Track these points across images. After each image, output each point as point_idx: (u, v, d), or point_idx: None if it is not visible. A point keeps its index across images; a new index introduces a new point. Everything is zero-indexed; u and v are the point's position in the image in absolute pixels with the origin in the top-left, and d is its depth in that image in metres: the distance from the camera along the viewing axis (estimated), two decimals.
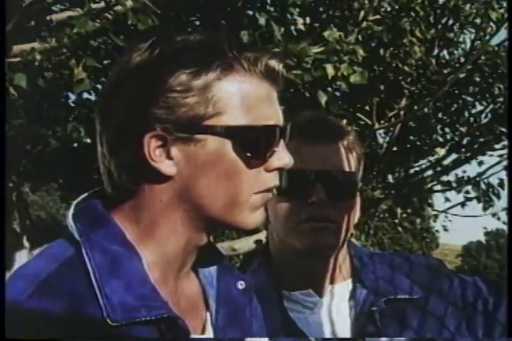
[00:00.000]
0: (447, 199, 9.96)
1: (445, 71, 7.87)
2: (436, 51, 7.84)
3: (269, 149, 1.10)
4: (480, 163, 9.19)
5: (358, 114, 7.06)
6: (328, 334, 1.51)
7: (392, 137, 8.26)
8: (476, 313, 1.57)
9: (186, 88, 1.04)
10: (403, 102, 7.71)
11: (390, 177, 9.43)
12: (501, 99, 7.99)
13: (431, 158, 9.26)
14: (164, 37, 1.09)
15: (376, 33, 6.96)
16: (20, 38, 4.89)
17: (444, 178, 9.32)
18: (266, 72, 1.09)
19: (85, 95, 6.10)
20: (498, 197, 8.83)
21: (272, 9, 6.30)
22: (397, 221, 12.11)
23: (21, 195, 7.29)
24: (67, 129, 5.65)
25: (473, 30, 7.79)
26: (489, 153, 8.76)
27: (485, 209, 9.03)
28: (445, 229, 12.94)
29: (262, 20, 5.37)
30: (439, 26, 7.68)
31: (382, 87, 7.41)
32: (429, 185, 9.26)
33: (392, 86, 7.62)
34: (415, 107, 7.46)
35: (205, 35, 1.10)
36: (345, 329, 1.52)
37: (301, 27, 6.55)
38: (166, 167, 1.06)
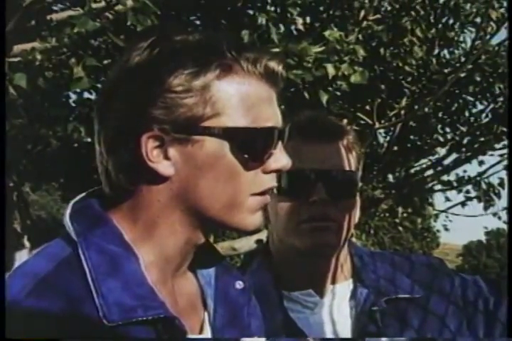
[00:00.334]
0: (448, 199, 9.98)
1: (445, 70, 7.88)
2: (436, 51, 7.84)
3: (267, 151, 1.09)
4: (480, 163, 9.20)
5: (359, 114, 7.06)
6: (328, 335, 1.51)
7: (392, 137, 8.27)
8: (477, 313, 1.57)
9: (185, 89, 1.03)
10: (404, 102, 7.71)
11: (390, 177, 9.43)
12: (502, 99, 8.00)
13: (431, 158, 9.27)
14: (164, 37, 1.09)
15: (376, 32, 6.96)
16: (20, 38, 4.89)
17: (445, 178, 9.34)
18: (265, 73, 1.09)
19: (86, 95, 6.09)
20: (499, 196, 8.84)
21: (272, 9, 6.30)
22: (397, 220, 12.12)
23: (22, 195, 7.29)
24: (67, 129, 5.65)
25: (473, 30, 7.79)
26: (490, 152, 8.77)
27: (485, 208, 9.05)
28: (446, 229, 12.95)
29: (262, 20, 5.37)
30: (440, 26, 7.69)
31: (382, 87, 7.41)
32: (430, 185, 9.26)
33: (393, 85, 7.62)
34: (416, 107, 7.46)
35: (205, 35, 1.10)
36: (346, 329, 1.52)
37: (302, 27, 6.55)
38: (164, 167, 1.06)
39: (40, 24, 5.18)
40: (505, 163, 8.36)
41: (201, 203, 1.07)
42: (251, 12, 6.18)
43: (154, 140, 1.05)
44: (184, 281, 1.17)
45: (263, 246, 1.65)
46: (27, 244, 7.23)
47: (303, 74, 4.90)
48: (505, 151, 8.36)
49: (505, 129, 7.78)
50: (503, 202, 9.02)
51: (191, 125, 1.04)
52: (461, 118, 8.55)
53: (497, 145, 8.50)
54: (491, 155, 8.84)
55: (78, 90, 5.57)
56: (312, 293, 1.55)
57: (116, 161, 1.07)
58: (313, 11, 6.72)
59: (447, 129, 8.78)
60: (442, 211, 10.77)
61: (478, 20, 7.57)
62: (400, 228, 15.08)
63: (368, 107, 7.15)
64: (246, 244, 6.56)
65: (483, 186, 8.98)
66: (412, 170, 9.39)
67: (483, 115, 8.43)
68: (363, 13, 6.67)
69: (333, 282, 1.57)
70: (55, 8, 5.67)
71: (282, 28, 5.95)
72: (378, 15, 6.95)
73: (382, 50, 7.30)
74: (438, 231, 21.19)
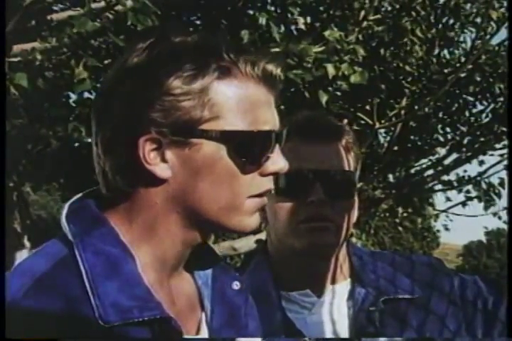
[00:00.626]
0: (448, 199, 9.97)
1: (446, 70, 7.87)
2: (436, 50, 7.84)
3: (264, 154, 1.09)
4: (481, 163, 9.19)
5: (359, 114, 7.06)
6: (326, 335, 1.51)
7: (392, 137, 8.26)
8: (476, 312, 1.57)
9: (183, 91, 1.03)
10: (404, 102, 7.71)
11: (390, 177, 9.43)
12: (502, 99, 7.99)
13: (432, 158, 9.26)
14: (162, 38, 1.08)
15: (377, 32, 6.96)
16: (20, 38, 4.89)
17: (445, 178, 9.34)
18: (263, 76, 1.09)
19: (86, 95, 6.09)
20: (499, 196, 8.84)
21: (272, 9, 6.30)
22: (397, 220, 12.12)
23: (22, 195, 7.29)
24: (68, 129, 5.65)
25: (473, 30, 7.79)
26: (490, 152, 8.77)
27: (486, 208, 9.04)
28: (446, 229, 12.95)
29: (262, 20, 5.37)
30: (440, 26, 7.68)
31: (382, 87, 7.41)
32: (430, 185, 9.26)
33: (393, 85, 7.62)
34: (416, 107, 7.46)
35: (203, 37, 1.09)
36: (344, 330, 1.52)
37: (302, 26, 6.55)
38: (161, 170, 1.06)
39: (40, 24, 5.18)
40: (505, 162, 8.36)
41: (198, 205, 1.07)
42: (251, 12, 6.18)
43: (152, 142, 1.05)
44: (181, 282, 1.17)
45: (261, 247, 1.65)
46: (27, 243, 7.22)
47: (303, 74, 4.90)
48: (505, 151, 8.36)
49: (505, 129, 7.77)
50: (503, 202, 9.03)
51: (189, 128, 1.04)
52: (462, 118, 8.54)
53: (497, 145, 8.50)
54: (491, 155, 8.84)
55: (78, 91, 5.57)
56: (310, 294, 1.55)
57: (113, 163, 1.07)
58: (314, 11, 6.71)
59: (447, 129, 8.77)
60: (442, 211, 10.76)
61: (478, 20, 7.57)
62: (400, 228, 15.08)
63: (368, 107, 7.14)
64: (246, 244, 6.56)
65: (484, 186, 8.98)
66: (413, 170, 9.39)
67: (484, 115, 8.43)
68: (363, 13, 6.67)
69: (333, 282, 1.57)
70: (55, 8, 5.67)
71: (283, 28, 5.95)
72: (378, 16, 6.94)
73: (382, 50, 7.30)
74: (438, 231, 21.21)
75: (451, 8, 7.58)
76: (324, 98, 5.15)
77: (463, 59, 7.98)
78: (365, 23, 6.60)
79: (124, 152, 1.05)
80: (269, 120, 1.09)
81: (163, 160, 1.06)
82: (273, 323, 1.48)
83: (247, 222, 1.11)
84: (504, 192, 8.74)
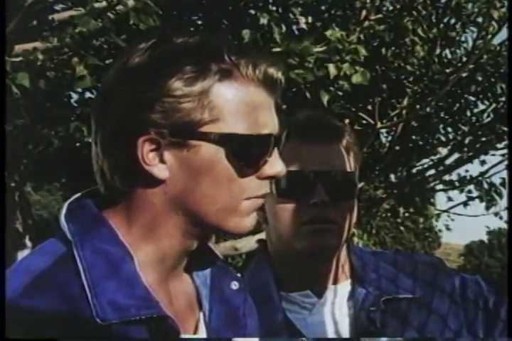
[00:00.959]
0: (450, 199, 9.97)
1: (447, 70, 7.87)
2: (438, 50, 7.83)
3: (262, 158, 1.09)
4: (482, 163, 9.18)
5: (361, 114, 7.06)
6: (327, 335, 1.51)
7: (394, 136, 8.26)
8: (477, 312, 1.57)
9: (183, 93, 1.03)
10: (405, 102, 7.71)
11: (392, 177, 9.43)
12: (503, 99, 7.99)
13: (433, 158, 9.26)
14: (164, 39, 1.08)
15: (378, 32, 6.96)
16: (22, 38, 4.90)
17: (447, 177, 9.34)
18: (264, 79, 1.09)
19: (88, 94, 6.10)
20: (501, 196, 8.84)
21: (273, 9, 6.30)
22: (399, 220, 12.11)
23: (24, 195, 7.30)
24: (69, 129, 5.66)
25: (475, 29, 7.78)
26: (491, 152, 8.77)
27: (487, 208, 9.04)
28: (447, 229, 12.94)
29: (263, 20, 5.37)
30: (441, 25, 7.68)
31: (384, 87, 7.41)
32: (432, 185, 9.26)
33: (395, 85, 7.62)
34: (417, 106, 7.47)
35: (205, 39, 1.09)
36: (345, 330, 1.52)
37: (303, 26, 6.55)
38: (159, 171, 1.05)
39: (41, 24, 5.19)
40: (506, 162, 8.35)
41: (195, 207, 1.07)
42: (253, 12, 6.18)
43: (150, 143, 1.04)
44: (180, 281, 1.17)
45: (261, 247, 1.65)
46: (29, 243, 7.23)
47: (304, 74, 4.90)
48: (507, 151, 8.35)
49: (506, 129, 7.77)
50: (505, 201, 9.02)
51: (188, 130, 1.04)
52: (463, 118, 8.54)
53: (499, 145, 8.49)
54: (493, 154, 8.84)
55: (80, 90, 5.58)
56: (310, 294, 1.55)
57: (112, 162, 1.07)
58: (315, 11, 6.72)
59: (449, 129, 8.77)
60: (444, 211, 10.76)
61: (479, 19, 7.56)
62: (402, 228, 15.07)
63: (369, 107, 7.15)
64: (247, 244, 6.56)
65: (485, 186, 8.97)
66: (414, 170, 9.39)
67: (485, 115, 8.42)
68: (364, 12, 6.67)
69: (334, 282, 1.57)
70: (56, 8, 5.67)
71: (284, 28, 5.94)
72: (380, 15, 6.95)
73: (383, 50, 7.30)
74: (440, 231, 21.19)
75: (453, 8, 7.57)
76: (326, 98, 5.15)
77: (464, 59, 7.98)
78: (366, 23, 6.60)
79: (123, 152, 1.06)
80: (269, 123, 1.09)
81: (162, 161, 1.06)
82: (273, 323, 1.48)
83: (244, 224, 1.11)
84: (506, 192, 8.74)
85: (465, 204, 9.48)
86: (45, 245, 1.10)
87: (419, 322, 1.54)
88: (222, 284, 1.20)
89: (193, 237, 1.11)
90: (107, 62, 5.54)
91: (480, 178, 9.03)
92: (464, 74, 7.52)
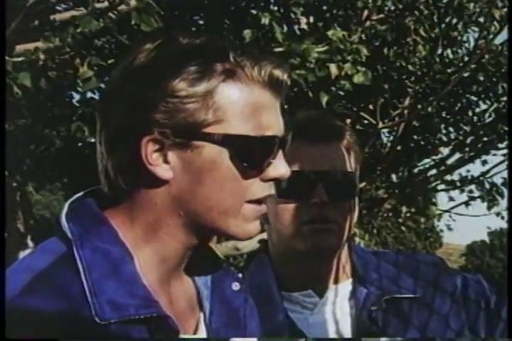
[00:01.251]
0: (451, 199, 9.97)
1: (449, 70, 7.87)
2: (440, 50, 7.83)
3: (266, 160, 1.09)
4: (484, 162, 9.18)
5: (362, 114, 7.06)
6: (329, 335, 1.51)
7: (395, 136, 8.26)
8: (479, 312, 1.57)
9: (188, 94, 1.03)
10: (407, 101, 7.71)
11: (393, 177, 9.43)
12: (505, 98, 7.99)
13: (435, 158, 9.26)
14: (170, 39, 1.08)
15: (380, 32, 6.96)
16: (24, 38, 4.90)
17: (448, 177, 9.34)
18: (269, 81, 1.08)
19: (89, 94, 6.10)
20: (502, 196, 8.84)
21: (275, 9, 6.30)
22: (401, 220, 12.10)
23: (25, 195, 7.30)
24: (71, 129, 5.66)
25: (477, 29, 7.78)
26: (493, 152, 8.77)
27: (489, 208, 9.04)
28: (449, 229, 12.92)
29: (265, 20, 5.37)
30: (443, 25, 7.68)
31: (386, 87, 7.41)
32: (433, 185, 9.26)
33: (396, 85, 7.62)
34: (419, 106, 7.47)
35: (210, 39, 1.09)
36: (346, 329, 1.52)
37: (305, 26, 6.55)
38: (163, 171, 1.05)
39: (43, 24, 5.19)
40: (507, 162, 8.35)
41: (198, 208, 1.07)
42: (254, 12, 6.18)
43: (154, 143, 1.04)
44: (180, 282, 1.16)
45: (262, 247, 1.65)
46: (30, 243, 7.23)
47: (306, 74, 4.90)
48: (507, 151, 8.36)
49: (507, 129, 7.77)
50: (506, 201, 9.02)
51: (192, 130, 1.04)
52: (465, 117, 8.54)
53: (500, 145, 8.49)
54: (494, 154, 8.84)
55: (83, 90, 5.58)
56: (312, 294, 1.55)
57: (116, 162, 1.07)
58: (317, 11, 6.72)
59: (451, 129, 8.77)
60: (446, 211, 10.75)
61: (481, 19, 7.56)
62: (403, 228, 15.05)
63: (371, 107, 7.15)
64: (249, 244, 6.55)
65: (487, 186, 8.98)
66: (416, 170, 9.39)
67: (487, 115, 8.43)
68: (366, 12, 6.67)
69: (335, 282, 1.57)
70: (58, 8, 5.67)
71: (285, 28, 5.94)
72: (381, 15, 6.95)
73: (385, 50, 7.30)
74: (441, 231, 21.19)
75: (455, 8, 7.57)
76: (325, 99, 5.14)
77: (466, 58, 7.98)
78: (368, 23, 6.60)
79: (127, 152, 1.05)
80: (273, 125, 1.09)
81: (165, 161, 1.05)
82: (275, 323, 1.48)
83: (245, 228, 1.10)
84: (507, 192, 8.74)
85: (466, 204, 9.49)
86: (46, 244, 1.10)
87: (421, 321, 1.54)
88: (223, 285, 1.20)
89: (194, 238, 1.11)
90: (109, 62, 5.54)
91: (481, 178, 9.03)
92: (466, 74, 7.52)
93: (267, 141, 1.08)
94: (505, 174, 8.87)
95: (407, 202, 9.67)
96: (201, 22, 6.89)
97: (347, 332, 1.52)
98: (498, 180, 9.24)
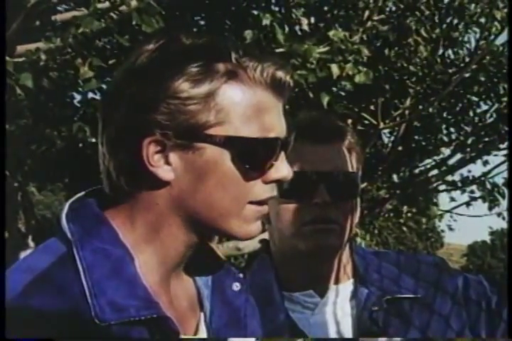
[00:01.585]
0: (452, 199, 9.97)
1: (450, 70, 7.88)
2: (441, 51, 7.84)
3: (268, 161, 1.08)
4: (485, 163, 9.19)
5: (363, 114, 7.07)
6: (330, 335, 1.51)
7: (397, 137, 8.26)
8: (480, 312, 1.57)
9: (189, 95, 1.03)
10: (408, 102, 7.71)
11: (395, 177, 9.43)
12: (506, 99, 7.99)
13: (436, 158, 9.27)
14: (172, 40, 1.08)
15: (381, 32, 6.96)
16: (25, 38, 4.90)
17: (449, 178, 9.34)
18: (272, 82, 1.08)
19: (90, 95, 6.11)
20: (503, 196, 8.83)
21: (276, 9, 6.30)
22: (402, 220, 12.10)
23: (27, 195, 7.30)
24: (72, 129, 5.66)
25: (477, 30, 7.78)
26: (494, 152, 8.77)
27: (490, 208, 9.04)
28: (450, 229, 12.92)
29: (266, 21, 5.37)
30: (444, 26, 7.68)
31: (387, 87, 7.41)
32: (434, 185, 9.26)
33: (397, 85, 7.62)
34: (420, 107, 7.47)
35: (212, 41, 1.08)
36: (347, 330, 1.52)
37: (306, 27, 6.55)
38: (164, 172, 1.05)
39: (44, 24, 5.19)
40: (508, 163, 8.34)
41: (198, 209, 1.07)
42: (255, 12, 6.18)
43: (156, 144, 1.04)
44: (181, 282, 1.16)
45: (263, 247, 1.65)
46: (31, 243, 7.23)
47: (307, 74, 4.90)
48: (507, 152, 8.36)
49: (507, 129, 7.77)
50: (507, 202, 9.02)
51: (193, 132, 1.04)
52: (466, 118, 8.55)
53: (501, 145, 8.50)
54: (496, 155, 8.84)
55: (84, 90, 5.58)
56: (313, 294, 1.55)
57: (118, 163, 1.07)
58: (318, 12, 6.72)
59: (452, 129, 8.78)
60: (447, 211, 10.76)
61: (482, 20, 7.56)
62: (405, 228, 15.05)
63: (372, 107, 7.15)
64: (250, 244, 6.56)
65: (488, 186, 8.98)
66: (417, 170, 9.39)
67: (488, 115, 8.43)
68: (367, 13, 6.67)
69: (336, 282, 1.57)
70: (59, 8, 5.67)
71: (287, 29, 5.94)
72: (383, 16, 6.95)
73: (386, 50, 7.31)
74: (442, 231, 21.21)
75: (456, 8, 7.57)
76: (325, 99, 5.14)
77: (467, 59, 7.98)
78: (369, 23, 6.60)
79: (128, 153, 1.05)
80: (276, 127, 1.08)
81: (167, 162, 1.05)
82: (276, 323, 1.48)
83: (246, 229, 1.10)
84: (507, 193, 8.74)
85: (468, 204, 9.49)
86: (46, 244, 1.09)
87: (422, 322, 1.54)
88: (224, 285, 1.20)
89: (195, 239, 1.10)
90: (110, 62, 5.55)
91: (483, 178, 9.03)
92: (467, 75, 7.53)
93: (269, 143, 1.07)
94: (506, 174, 8.87)
95: (408, 202, 9.67)
96: (202, 22, 6.90)
97: (348, 332, 1.52)
98: (499, 180, 9.24)
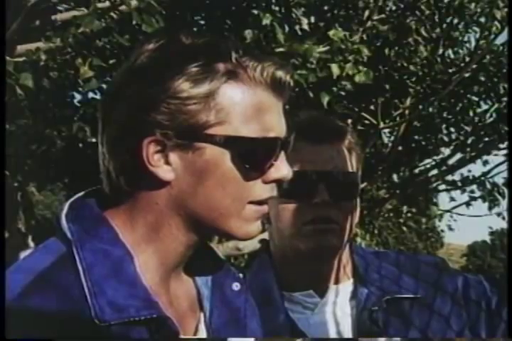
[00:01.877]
0: (452, 199, 9.98)
1: (450, 70, 7.88)
2: (441, 50, 7.84)
3: (268, 161, 1.08)
4: (485, 163, 9.20)
5: (363, 114, 7.07)
6: (330, 335, 1.51)
7: (397, 136, 8.26)
8: (480, 312, 1.57)
9: (189, 95, 1.03)
10: (408, 102, 7.72)
11: (395, 177, 9.44)
12: (506, 99, 7.99)
13: (436, 158, 9.27)
14: (172, 40, 1.08)
15: (381, 32, 6.96)
16: (25, 38, 4.90)
17: (449, 178, 9.35)
18: (272, 82, 1.08)
19: (91, 95, 6.11)
20: (503, 196, 8.84)
21: (276, 9, 6.30)
22: (402, 220, 12.12)
23: (26, 195, 7.29)
24: (72, 129, 5.66)
25: (478, 30, 7.78)
26: (494, 152, 8.77)
27: (490, 208, 9.05)
28: (450, 229, 12.93)
29: (266, 20, 5.37)
30: (444, 25, 7.68)
31: (387, 87, 7.41)
32: (434, 185, 9.27)
33: (397, 85, 7.62)
34: (420, 106, 7.47)
35: (213, 40, 1.08)
36: (346, 330, 1.52)
37: (306, 27, 6.55)
38: (164, 172, 1.05)
39: (44, 24, 5.18)
40: (508, 163, 8.35)
41: (198, 210, 1.07)
42: (255, 12, 6.18)
43: (156, 144, 1.04)
44: (181, 282, 1.16)
45: (263, 247, 1.65)
46: (31, 244, 7.23)
47: (307, 74, 4.90)
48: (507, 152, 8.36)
49: (507, 129, 7.78)
50: (507, 201, 9.02)
51: (193, 132, 1.04)
52: (466, 118, 8.55)
53: (501, 145, 8.50)
54: (496, 155, 8.85)
55: (84, 90, 5.58)
56: (312, 294, 1.55)
57: (117, 163, 1.07)
58: (318, 11, 6.72)
59: (452, 129, 8.78)
60: (447, 211, 10.77)
61: (482, 19, 7.56)
62: (404, 228, 15.07)
63: (372, 107, 7.15)
64: (250, 244, 6.56)
65: (488, 186, 8.98)
66: (417, 170, 9.40)
67: (488, 115, 8.43)
68: (367, 12, 6.67)
69: (336, 282, 1.57)
70: (59, 8, 5.67)
71: (287, 28, 5.94)
72: (383, 15, 6.95)
73: (386, 50, 7.30)
74: (442, 231, 21.17)
75: (456, 8, 7.57)
76: (326, 99, 5.14)
77: (467, 58, 7.98)
78: (369, 23, 6.60)
79: (128, 153, 1.05)
80: (276, 127, 1.09)
81: (167, 162, 1.05)
82: (276, 323, 1.48)
83: (246, 229, 1.10)
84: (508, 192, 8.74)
85: (467, 204, 9.50)
86: (46, 244, 1.09)
87: (422, 322, 1.54)
88: (224, 285, 1.20)
89: (195, 239, 1.11)
90: (111, 62, 5.55)
91: (482, 178, 9.04)
92: (467, 74, 7.52)
93: (269, 143, 1.07)
94: (506, 174, 8.87)
95: (408, 202, 9.68)
96: (202, 22, 6.89)
97: (348, 332, 1.52)
98: (499, 180, 9.25)
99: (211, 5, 6.54)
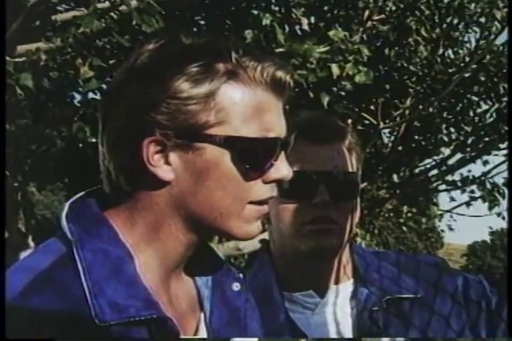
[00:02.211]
0: (452, 199, 9.97)
1: (450, 70, 7.88)
2: (441, 50, 7.85)
3: (268, 161, 1.08)
4: (485, 163, 9.19)
5: (363, 114, 7.06)
6: (330, 335, 1.51)
7: (397, 137, 8.27)
8: (480, 312, 1.57)
9: (189, 95, 1.03)
10: (408, 102, 7.72)
11: (395, 177, 9.43)
12: (506, 99, 8.00)
13: (436, 158, 9.27)
14: (172, 40, 1.08)
15: (381, 32, 6.97)
16: (25, 38, 4.90)
17: (449, 178, 9.34)
18: (272, 82, 1.08)
19: (91, 95, 6.11)
20: (503, 196, 8.84)
21: (276, 9, 6.30)
22: (402, 220, 12.12)
23: (26, 195, 7.30)
24: (72, 129, 5.66)
25: (478, 30, 7.79)
26: (494, 152, 8.77)
27: (490, 208, 9.04)
28: (450, 229, 12.93)
29: (266, 21, 5.37)
30: (444, 25, 7.69)
31: (387, 87, 7.42)
32: (434, 185, 9.27)
33: (397, 85, 7.63)
34: (420, 107, 7.47)
35: (212, 40, 1.08)
36: (347, 330, 1.52)
37: (306, 27, 6.55)
38: (164, 172, 1.05)
39: (44, 24, 5.19)
40: (508, 163, 8.34)
41: (198, 209, 1.07)
42: (255, 12, 6.18)
43: (156, 144, 1.04)
44: (181, 282, 1.16)
45: (263, 247, 1.65)
46: (31, 244, 7.23)
47: (307, 74, 4.90)
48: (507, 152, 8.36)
49: (507, 128, 7.78)
50: (507, 201, 9.02)
51: (193, 132, 1.04)
52: (466, 118, 8.55)
53: (501, 145, 8.50)
54: (496, 155, 8.84)
55: (84, 90, 5.58)
56: (313, 294, 1.55)
57: (118, 163, 1.07)
58: (318, 11, 6.72)
59: (452, 129, 8.78)
60: (447, 211, 10.77)
61: (482, 20, 7.57)
62: (405, 228, 15.06)
63: (372, 107, 7.15)
64: (250, 244, 6.55)
65: (488, 186, 8.98)
66: (417, 170, 9.40)
67: (488, 115, 8.43)
68: (367, 13, 6.68)
69: (336, 282, 1.57)
70: (59, 8, 5.67)
71: (287, 29, 5.95)
72: (383, 15, 6.95)
73: (386, 50, 7.31)
74: (442, 231, 21.17)
75: (456, 8, 7.58)
76: (326, 99, 5.14)
77: (467, 59, 7.99)
78: (369, 23, 6.61)
79: (129, 153, 1.05)
80: (276, 127, 1.09)
81: (167, 162, 1.05)
82: (276, 324, 1.48)
83: (246, 229, 1.10)
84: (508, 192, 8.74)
85: (468, 204, 9.49)
86: (46, 244, 1.09)
87: (422, 322, 1.54)
88: (224, 285, 1.20)
89: (195, 239, 1.11)
90: (111, 62, 5.55)
91: (483, 178, 9.04)
92: (467, 75, 7.52)
93: (269, 143, 1.08)
94: (506, 174, 8.87)
95: (408, 202, 9.68)
96: (202, 22, 6.90)
97: (348, 332, 1.52)
98: (499, 180, 9.25)
99: (211, 5, 6.54)
